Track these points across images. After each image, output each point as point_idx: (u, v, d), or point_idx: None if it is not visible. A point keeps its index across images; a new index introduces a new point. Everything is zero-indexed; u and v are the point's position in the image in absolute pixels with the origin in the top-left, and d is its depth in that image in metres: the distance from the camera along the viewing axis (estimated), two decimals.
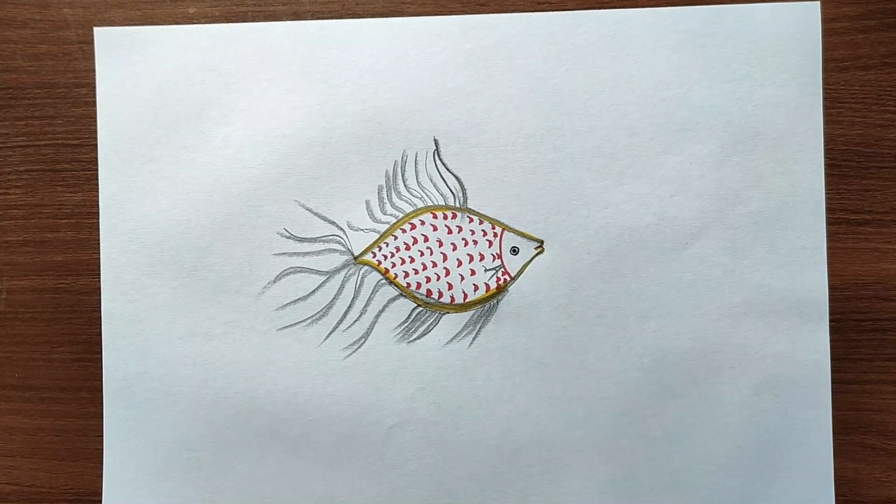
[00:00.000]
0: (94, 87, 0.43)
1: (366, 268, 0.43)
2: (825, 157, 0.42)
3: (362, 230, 0.43)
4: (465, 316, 0.43)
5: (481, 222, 0.42)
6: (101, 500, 0.43)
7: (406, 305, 0.43)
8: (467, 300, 0.43)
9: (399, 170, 0.43)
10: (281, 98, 0.42)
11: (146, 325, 0.43)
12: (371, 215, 0.43)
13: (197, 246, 0.43)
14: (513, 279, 0.42)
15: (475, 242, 0.43)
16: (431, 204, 0.43)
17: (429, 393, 0.42)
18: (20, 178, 0.44)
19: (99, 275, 0.43)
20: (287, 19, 0.43)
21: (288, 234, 0.43)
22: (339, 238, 0.43)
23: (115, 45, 0.43)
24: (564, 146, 0.42)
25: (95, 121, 0.43)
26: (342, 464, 0.42)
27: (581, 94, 0.42)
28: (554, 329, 0.42)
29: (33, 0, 0.43)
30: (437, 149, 0.42)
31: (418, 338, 0.43)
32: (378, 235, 0.43)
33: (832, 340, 0.42)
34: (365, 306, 0.43)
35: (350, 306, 0.43)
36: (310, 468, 0.43)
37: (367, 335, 0.43)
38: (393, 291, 0.43)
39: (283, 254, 0.43)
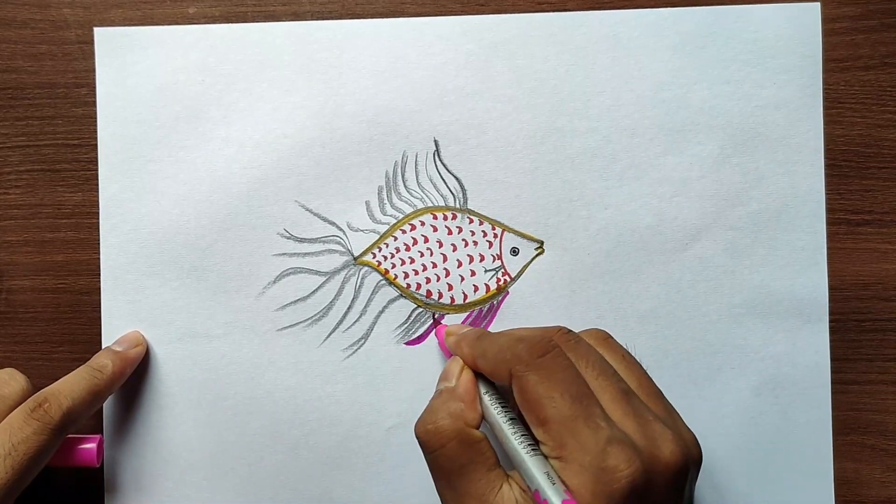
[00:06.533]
0: (94, 87, 0.43)
1: (366, 268, 0.43)
2: (825, 158, 0.42)
3: (362, 231, 0.43)
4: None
5: (481, 223, 0.42)
6: (102, 501, 0.43)
7: (406, 306, 0.43)
8: (467, 301, 0.43)
9: (399, 170, 0.42)
10: (281, 98, 0.42)
11: (146, 325, 0.43)
12: (371, 216, 0.43)
13: (197, 246, 0.43)
14: (513, 280, 0.42)
15: (475, 243, 0.42)
16: (431, 205, 0.43)
17: (428, 394, 0.42)
18: (20, 178, 0.44)
19: (99, 275, 0.43)
20: (287, 19, 0.43)
21: (288, 235, 0.43)
22: (339, 238, 0.43)
23: (115, 45, 0.43)
24: (564, 147, 0.42)
25: (95, 121, 0.43)
26: (341, 465, 0.42)
27: (581, 94, 0.42)
28: None
29: (33, 0, 0.43)
30: (437, 149, 0.42)
31: (418, 339, 0.43)
32: (378, 236, 0.43)
33: (832, 340, 0.42)
34: (365, 307, 0.43)
35: (350, 307, 0.43)
36: (309, 469, 0.43)
37: (366, 336, 0.43)
38: (393, 292, 0.43)
39: (283, 254, 0.43)
